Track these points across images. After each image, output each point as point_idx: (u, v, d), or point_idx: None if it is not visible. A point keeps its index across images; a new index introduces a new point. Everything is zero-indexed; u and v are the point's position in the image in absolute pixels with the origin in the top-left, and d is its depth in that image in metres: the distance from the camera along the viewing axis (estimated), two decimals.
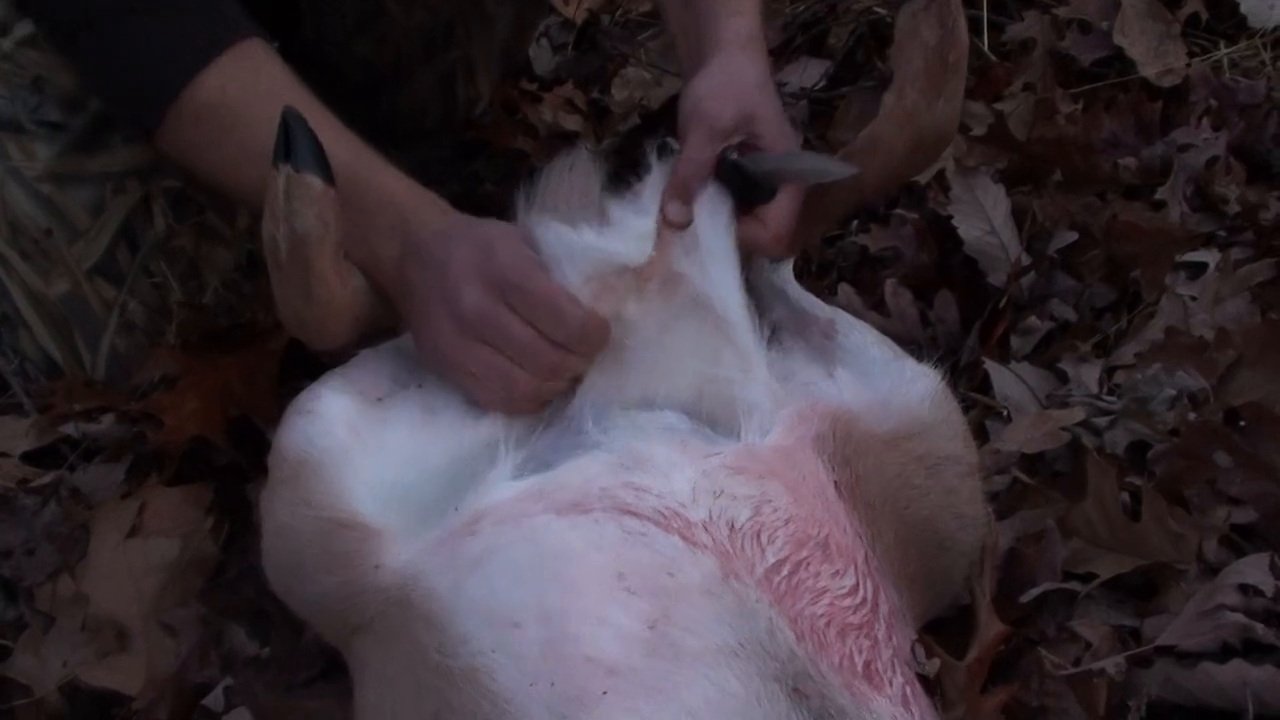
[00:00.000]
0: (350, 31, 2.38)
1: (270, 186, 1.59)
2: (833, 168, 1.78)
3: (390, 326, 1.79)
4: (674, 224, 1.71)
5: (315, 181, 1.59)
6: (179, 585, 1.98)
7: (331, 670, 1.83)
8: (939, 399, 1.73)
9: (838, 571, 1.47)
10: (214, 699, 1.87)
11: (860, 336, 1.80)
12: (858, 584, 1.48)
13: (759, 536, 1.46)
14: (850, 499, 1.60)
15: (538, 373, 1.65)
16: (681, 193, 1.72)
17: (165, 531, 2.02)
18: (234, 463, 2.11)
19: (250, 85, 1.82)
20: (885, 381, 1.74)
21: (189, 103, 1.82)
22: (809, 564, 1.46)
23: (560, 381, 1.67)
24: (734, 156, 1.75)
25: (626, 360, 1.68)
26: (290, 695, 1.88)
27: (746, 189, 1.75)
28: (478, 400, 1.68)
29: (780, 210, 1.77)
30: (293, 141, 1.58)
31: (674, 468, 1.51)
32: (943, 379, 1.75)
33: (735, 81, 1.80)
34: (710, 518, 1.47)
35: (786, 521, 1.49)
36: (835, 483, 1.60)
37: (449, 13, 2.37)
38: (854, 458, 1.64)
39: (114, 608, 1.93)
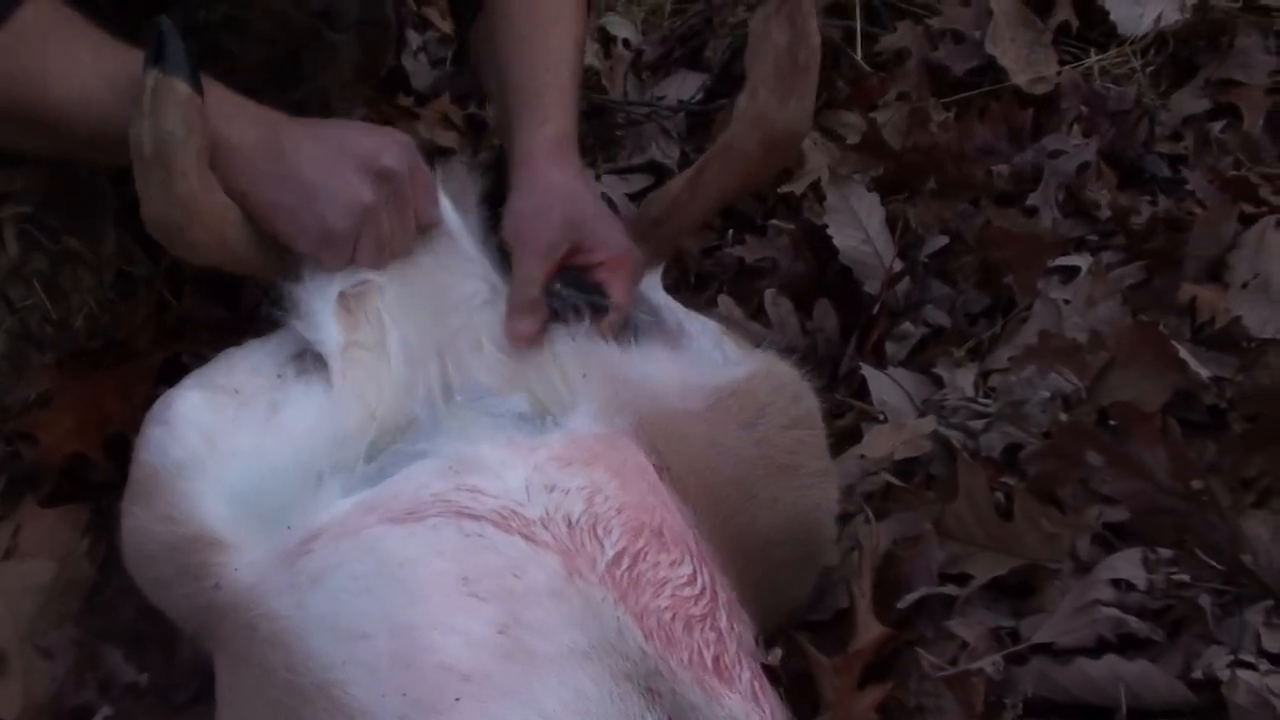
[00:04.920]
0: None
1: (140, 88, 1.65)
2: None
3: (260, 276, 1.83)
4: (525, 340, 1.78)
5: (182, 86, 1.65)
6: (55, 607, 1.96)
7: (207, 690, 1.80)
8: (764, 367, 1.76)
9: (675, 560, 1.49)
10: None
11: (712, 338, 1.83)
12: (695, 572, 1.50)
13: (595, 529, 1.48)
14: (668, 479, 1.62)
15: (399, 242, 1.79)
16: (526, 312, 1.78)
17: (41, 553, 2.00)
18: (111, 480, 2.07)
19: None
20: (710, 366, 1.77)
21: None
22: (646, 554, 1.48)
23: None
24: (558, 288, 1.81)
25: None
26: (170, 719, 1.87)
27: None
28: (334, 237, 1.75)
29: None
30: (164, 49, 1.65)
31: (504, 466, 1.53)
32: (819, 387, 1.78)
33: (551, 200, 1.85)
34: (547, 514, 1.48)
35: (619, 510, 1.50)
36: (655, 466, 1.62)
37: (290, 45, 2.35)
38: (662, 438, 1.66)
39: None
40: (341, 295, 1.76)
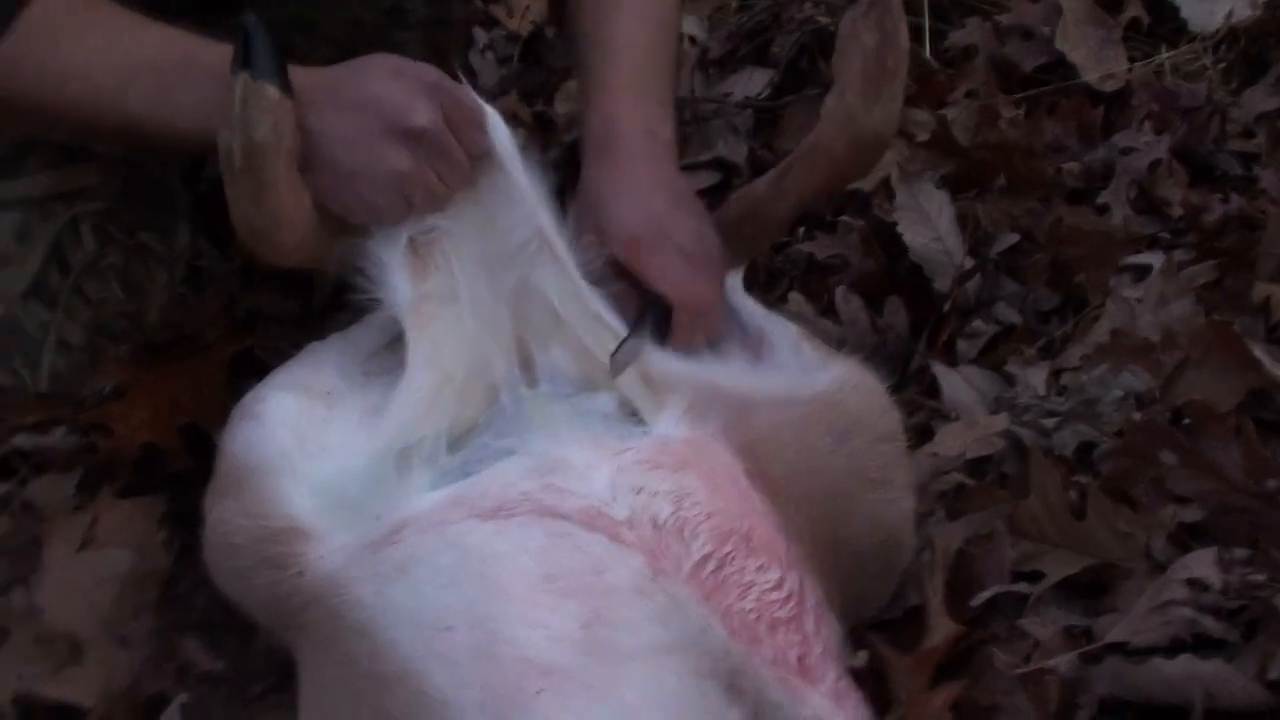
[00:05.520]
0: None
1: (228, 94, 1.64)
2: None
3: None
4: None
5: (272, 91, 1.64)
6: (132, 597, 1.98)
7: (284, 681, 1.82)
8: (852, 376, 1.76)
9: (762, 565, 1.50)
10: (169, 718, 1.87)
11: (791, 342, 1.82)
12: (783, 577, 1.51)
13: (682, 532, 1.48)
14: (760, 486, 1.61)
15: (453, 183, 1.76)
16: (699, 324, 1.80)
17: (118, 543, 2.02)
18: (185, 471, 2.10)
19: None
20: (797, 374, 1.77)
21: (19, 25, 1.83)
22: (733, 558, 1.48)
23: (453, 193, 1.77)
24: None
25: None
26: (246, 709, 1.89)
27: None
28: (384, 210, 1.75)
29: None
30: (252, 50, 1.63)
31: (590, 468, 1.54)
32: (876, 374, 1.79)
33: (582, 205, 1.87)
34: (633, 515, 1.49)
35: (708, 516, 1.51)
36: (745, 470, 1.62)
37: (357, 45, 2.36)
38: (755, 444, 1.66)
39: (68, 620, 1.92)
40: (410, 240, 1.78)
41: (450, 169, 1.75)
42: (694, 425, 1.66)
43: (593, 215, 1.84)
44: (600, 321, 1.76)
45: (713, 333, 1.82)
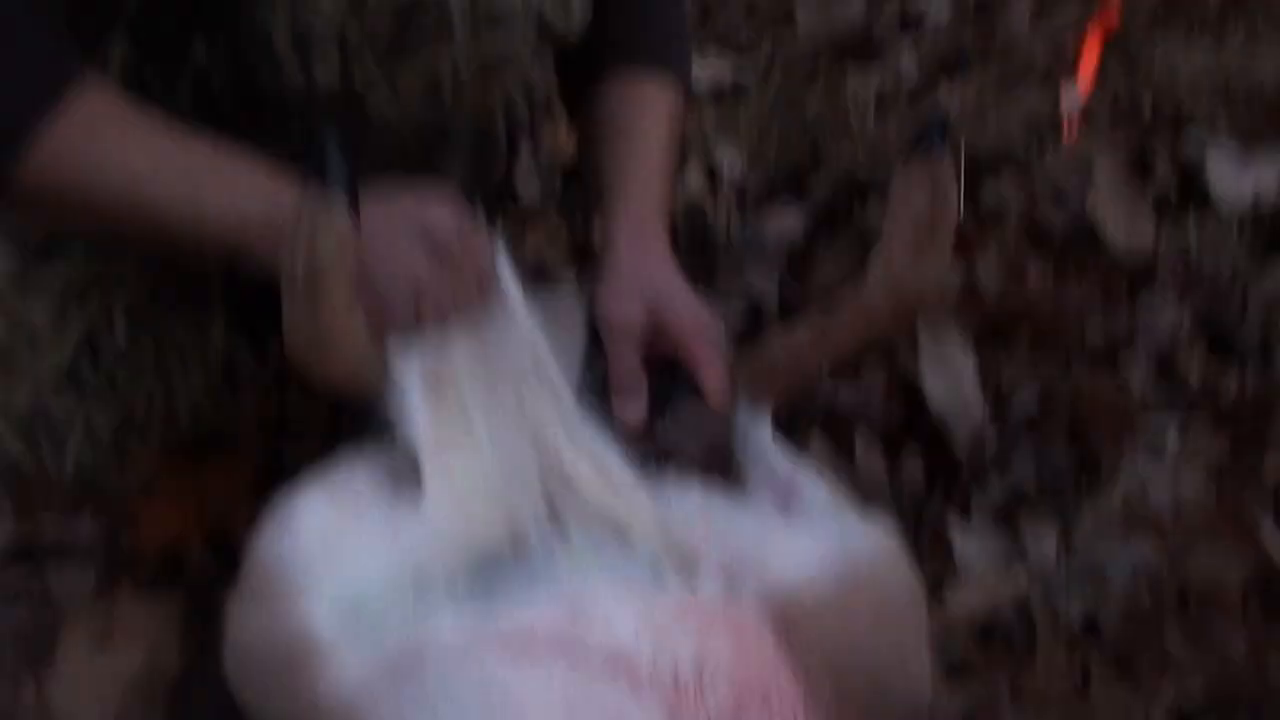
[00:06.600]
0: None
1: (296, 213, 1.65)
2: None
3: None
4: (633, 424, 1.85)
5: (341, 213, 1.65)
6: (144, 695, 1.99)
7: None
8: (889, 556, 1.74)
9: None
10: None
11: (821, 497, 1.83)
12: None
13: (701, 685, 1.48)
14: (788, 652, 1.63)
15: (460, 300, 1.78)
16: (626, 396, 1.87)
17: (133, 640, 2.03)
18: (208, 571, 2.12)
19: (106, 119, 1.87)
20: (836, 542, 1.74)
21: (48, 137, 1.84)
22: (748, 712, 1.48)
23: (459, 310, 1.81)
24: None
25: None
26: None
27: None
28: (397, 313, 1.77)
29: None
30: (327, 171, 1.65)
31: (618, 614, 1.53)
32: (902, 537, 1.79)
33: (628, 281, 1.94)
34: (655, 665, 1.48)
35: (729, 671, 1.51)
36: (774, 634, 1.61)
37: (398, 163, 2.38)
38: (788, 609, 1.65)
39: (78, 717, 1.94)
40: (423, 372, 1.79)
41: (460, 285, 1.79)
42: (726, 584, 1.67)
43: (640, 293, 1.91)
44: (614, 469, 1.80)
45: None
